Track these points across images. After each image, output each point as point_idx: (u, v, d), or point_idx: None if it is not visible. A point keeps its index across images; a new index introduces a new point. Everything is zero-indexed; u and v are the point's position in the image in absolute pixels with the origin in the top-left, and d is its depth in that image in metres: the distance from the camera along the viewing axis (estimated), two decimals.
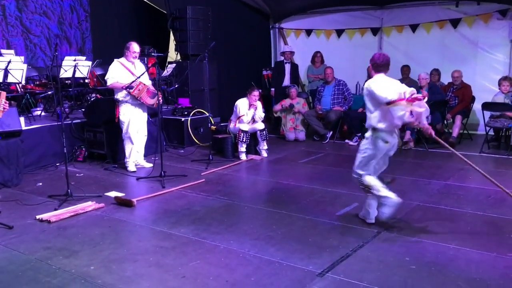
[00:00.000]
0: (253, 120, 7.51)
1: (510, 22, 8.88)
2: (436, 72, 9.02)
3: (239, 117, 7.43)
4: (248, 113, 7.42)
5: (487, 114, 7.76)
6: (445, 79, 9.03)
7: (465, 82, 8.53)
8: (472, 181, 5.98)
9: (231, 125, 7.58)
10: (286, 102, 9.02)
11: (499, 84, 7.85)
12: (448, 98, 8.43)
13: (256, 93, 7.47)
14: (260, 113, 7.52)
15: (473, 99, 8.56)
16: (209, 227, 4.43)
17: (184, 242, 4.09)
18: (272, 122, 10.20)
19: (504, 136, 8.23)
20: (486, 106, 7.61)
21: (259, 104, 7.55)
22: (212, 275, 3.45)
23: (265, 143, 7.57)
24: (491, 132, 8.07)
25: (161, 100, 6.46)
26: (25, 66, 7.05)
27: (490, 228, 4.34)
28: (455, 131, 8.12)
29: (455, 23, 9.36)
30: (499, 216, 4.62)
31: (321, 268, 3.52)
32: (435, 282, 3.29)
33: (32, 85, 8.21)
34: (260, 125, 7.50)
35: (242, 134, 7.29)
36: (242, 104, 7.48)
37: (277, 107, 9.20)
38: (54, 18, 9.55)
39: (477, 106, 8.38)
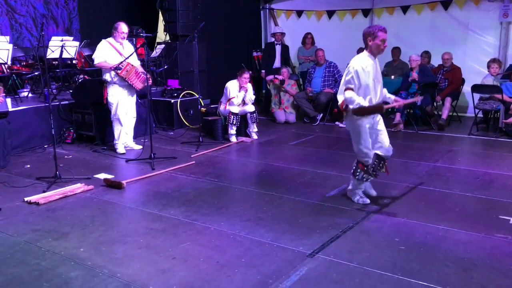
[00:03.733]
0: (244, 102, 7.48)
1: (500, 4, 8.86)
2: (426, 54, 9.03)
3: (229, 99, 7.38)
4: (239, 95, 7.38)
5: (477, 96, 7.79)
6: (435, 61, 9.03)
7: (455, 64, 8.53)
8: (461, 163, 6.03)
9: (221, 107, 7.53)
10: (279, 77, 8.99)
11: (488, 67, 7.87)
12: (438, 80, 8.44)
13: (246, 75, 7.42)
14: (250, 96, 7.48)
15: (463, 81, 8.58)
16: (199, 209, 4.43)
17: (174, 224, 4.08)
18: (263, 104, 10.16)
19: (492, 118, 8.30)
20: (475, 88, 7.63)
21: (249, 86, 7.51)
22: (203, 256, 3.45)
23: (255, 126, 7.54)
24: (480, 114, 8.13)
25: (150, 82, 6.39)
26: (10, 46, 6.92)
27: (478, 209, 4.39)
28: (445, 113, 8.15)
29: (446, 4, 9.34)
30: (487, 197, 4.67)
31: (311, 249, 3.54)
32: (424, 262, 3.32)
33: (18, 65, 8.08)
34: (251, 108, 7.46)
35: (232, 116, 7.25)
36: (232, 86, 7.43)
37: (270, 77, 9.21)
38: None
39: (466, 88, 8.42)
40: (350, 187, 4.63)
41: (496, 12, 8.94)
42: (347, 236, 3.79)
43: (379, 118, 4.43)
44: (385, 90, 4.53)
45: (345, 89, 4.24)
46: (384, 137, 4.43)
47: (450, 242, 3.66)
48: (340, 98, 4.41)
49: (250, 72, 8.14)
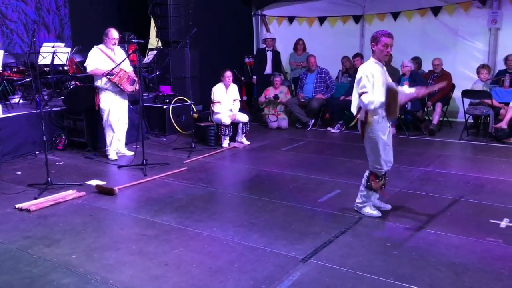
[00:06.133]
0: (234, 111, 7.52)
1: (489, 11, 8.98)
2: (416, 60, 9.08)
3: (213, 102, 7.42)
4: (225, 97, 7.41)
5: (467, 101, 7.87)
6: (426, 67, 9.11)
7: (445, 70, 8.62)
8: (451, 168, 6.08)
9: (214, 115, 7.52)
10: (270, 93, 8.88)
11: (478, 72, 7.95)
12: (428, 86, 8.50)
13: (228, 73, 7.46)
14: (237, 101, 7.58)
15: (453, 86, 8.66)
16: (192, 215, 4.42)
17: (166, 230, 4.07)
18: (254, 109, 10.18)
19: (482, 123, 8.37)
20: (465, 93, 7.70)
21: (235, 88, 7.55)
22: (195, 262, 3.45)
23: (244, 137, 7.55)
24: (471, 120, 8.20)
25: (138, 87, 6.39)
26: (1, 53, 6.89)
27: (469, 213, 4.42)
28: (435, 119, 8.23)
29: (436, 11, 9.44)
30: (478, 201, 4.71)
31: (304, 254, 3.55)
32: (416, 267, 3.34)
33: (9, 72, 8.03)
34: (244, 117, 7.46)
35: (224, 128, 7.26)
36: (217, 90, 7.47)
37: (262, 99, 9.03)
38: (31, 4, 9.29)
39: (457, 93, 8.48)
40: (359, 199, 4.41)
41: (485, 19, 9.05)
42: (340, 241, 3.80)
43: (389, 130, 4.24)
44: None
45: (360, 95, 4.04)
46: (391, 153, 4.31)
47: (442, 246, 3.69)
48: (355, 109, 4.20)
49: (235, 73, 8.11)
